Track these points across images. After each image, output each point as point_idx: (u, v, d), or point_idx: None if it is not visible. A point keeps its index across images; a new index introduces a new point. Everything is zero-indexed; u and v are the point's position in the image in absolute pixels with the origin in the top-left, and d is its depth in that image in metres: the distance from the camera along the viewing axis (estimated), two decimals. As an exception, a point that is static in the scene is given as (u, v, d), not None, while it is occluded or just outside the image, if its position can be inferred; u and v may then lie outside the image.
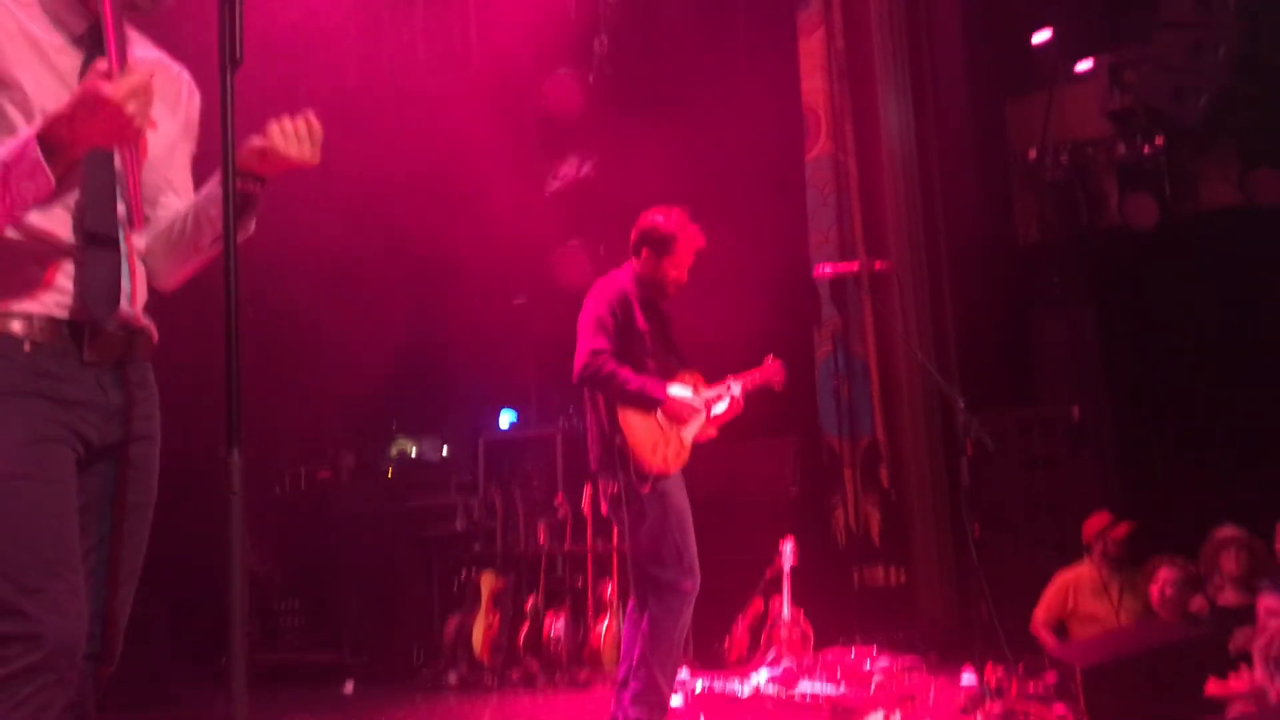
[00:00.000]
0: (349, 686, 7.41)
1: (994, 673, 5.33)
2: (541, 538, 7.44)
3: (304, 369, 8.91)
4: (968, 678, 5.44)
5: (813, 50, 8.08)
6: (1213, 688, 4.59)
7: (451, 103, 8.59)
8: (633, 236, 4.81)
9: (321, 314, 8.93)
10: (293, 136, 2.36)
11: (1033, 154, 8.48)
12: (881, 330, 7.85)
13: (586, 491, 7.10)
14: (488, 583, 7.43)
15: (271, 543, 8.09)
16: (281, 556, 8.14)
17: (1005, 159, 8.86)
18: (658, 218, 4.74)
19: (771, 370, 5.03)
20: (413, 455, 9.22)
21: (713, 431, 4.86)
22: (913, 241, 8.04)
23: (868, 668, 5.98)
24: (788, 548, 6.65)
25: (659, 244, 4.71)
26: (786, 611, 6.54)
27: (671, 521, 4.49)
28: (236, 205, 2.19)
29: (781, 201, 8.20)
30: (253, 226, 2.48)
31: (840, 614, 7.13)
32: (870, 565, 7.56)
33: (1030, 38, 8.64)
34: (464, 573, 7.70)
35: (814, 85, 8.05)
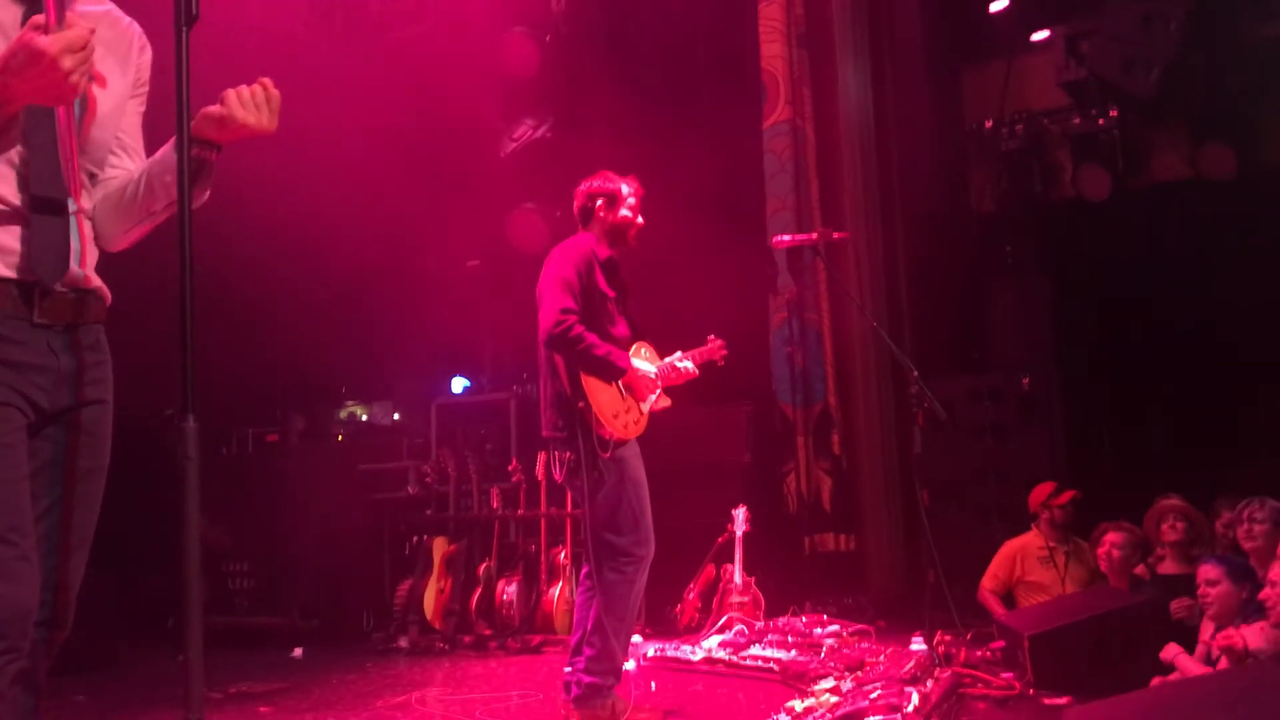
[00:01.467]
0: (298, 651, 7.39)
1: (943, 639, 5.39)
2: (495, 502, 7.42)
3: (253, 329, 8.79)
4: (917, 644, 5.51)
5: (772, 16, 8.04)
6: (1169, 653, 4.65)
7: (406, 61, 8.47)
8: (576, 208, 4.82)
9: (271, 274, 8.81)
10: (250, 103, 2.31)
11: (989, 124, 8.53)
12: (836, 297, 7.88)
13: (540, 457, 7.09)
14: (440, 547, 7.41)
15: (219, 506, 7.98)
16: (230, 520, 8.04)
17: (962, 129, 8.91)
18: (595, 181, 4.78)
19: (714, 349, 5.03)
20: (363, 419, 9.14)
21: (668, 401, 4.85)
22: (868, 209, 8.05)
23: (818, 634, 6.02)
24: (740, 514, 6.68)
25: (608, 199, 4.73)
26: (738, 577, 6.58)
27: (629, 489, 4.49)
28: (191, 172, 2.15)
29: (738, 167, 8.18)
30: (207, 194, 2.43)
31: (791, 580, 7.20)
32: (821, 532, 7.62)
33: (988, 6, 8.65)
34: (416, 537, 7.67)
35: (773, 51, 8.02)
